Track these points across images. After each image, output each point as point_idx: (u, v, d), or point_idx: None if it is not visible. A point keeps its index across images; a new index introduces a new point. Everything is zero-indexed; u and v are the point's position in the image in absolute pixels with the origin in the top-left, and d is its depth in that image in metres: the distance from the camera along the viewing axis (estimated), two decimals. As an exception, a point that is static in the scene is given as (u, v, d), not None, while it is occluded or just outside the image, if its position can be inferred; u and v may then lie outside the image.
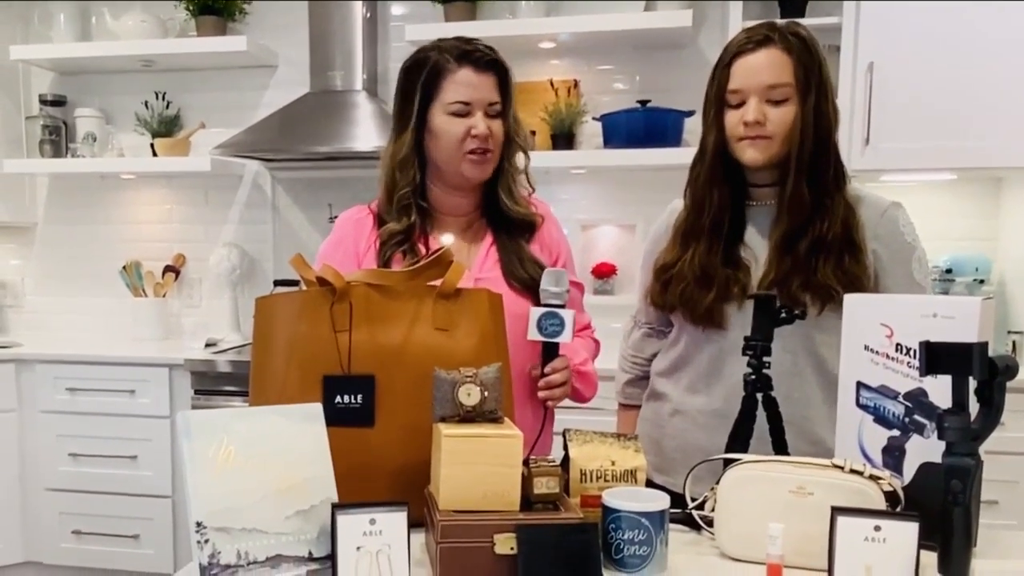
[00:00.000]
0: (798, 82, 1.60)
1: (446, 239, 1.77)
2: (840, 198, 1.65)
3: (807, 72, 1.60)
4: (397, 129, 1.78)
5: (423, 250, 1.72)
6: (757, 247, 1.70)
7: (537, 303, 1.69)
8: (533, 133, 3.62)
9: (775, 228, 1.67)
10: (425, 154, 1.77)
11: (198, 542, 1.15)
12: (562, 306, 1.62)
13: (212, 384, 3.54)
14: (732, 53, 1.64)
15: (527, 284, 1.76)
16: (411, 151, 1.75)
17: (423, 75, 1.73)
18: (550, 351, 1.66)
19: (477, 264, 1.78)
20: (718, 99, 1.66)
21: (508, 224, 1.82)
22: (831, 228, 1.62)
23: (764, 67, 1.61)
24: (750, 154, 1.63)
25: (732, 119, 1.64)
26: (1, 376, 3.70)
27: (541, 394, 1.67)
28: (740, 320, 1.68)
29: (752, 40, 1.63)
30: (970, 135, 3.01)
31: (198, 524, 1.16)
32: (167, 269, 4.17)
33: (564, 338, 1.61)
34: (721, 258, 1.69)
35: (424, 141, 1.76)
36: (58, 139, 4.14)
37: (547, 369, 1.66)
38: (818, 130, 1.61)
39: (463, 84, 1.71)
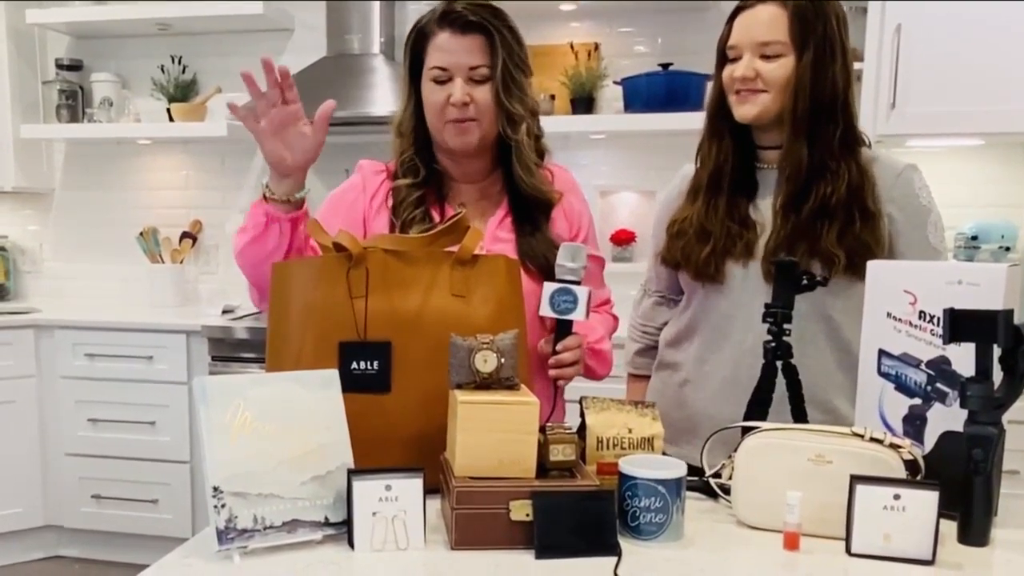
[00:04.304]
0: (794, 39, 1.59)
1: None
2: (850, 163, 1.61)
3: (805, 29, 1.58)
4: (402, 97, 1.75)
5: (437, 217, 1.69)
6: (766, 211, 1.68)
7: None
8: (552, 97, 3.59)
9: (778, 191, 1.66)
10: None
11: (215, 507, 1.16)
12: (577, 283, 1.54)
13: (229, 351, 3.56)
14: (736, 8, 1.66)
15: (540, 266, 1.68)
16: (411, 121, 1.72)
17: (411, 41, 1.68)
18: (563, 328, 1.58)
19: (488, 234, 1.72)
20: (719, 54, 1.68)
21: (525, 200, 1.74)
22: (835, 192, 1.59)
23: (759, 23, 1.61)
24: (740, 109, 1.64)
25: (727, 73, 1.66)
26: (20, 342, 3.74)
27: (551, 372, 1.61)
28: (747, 284, 1.66)
29: None
30: (999, 99, 2.95)
31: (215, 489, 1.16)
32: (184, 235, 4.18)
33: (577, 316, 1.54)
34: (724, 214, 1.68)
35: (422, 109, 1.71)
36: (75, 104, 4.15)
37: (558, 347, 1.58)
38: (817, 89, 1.59)
39: (441, 49, 1.63)
